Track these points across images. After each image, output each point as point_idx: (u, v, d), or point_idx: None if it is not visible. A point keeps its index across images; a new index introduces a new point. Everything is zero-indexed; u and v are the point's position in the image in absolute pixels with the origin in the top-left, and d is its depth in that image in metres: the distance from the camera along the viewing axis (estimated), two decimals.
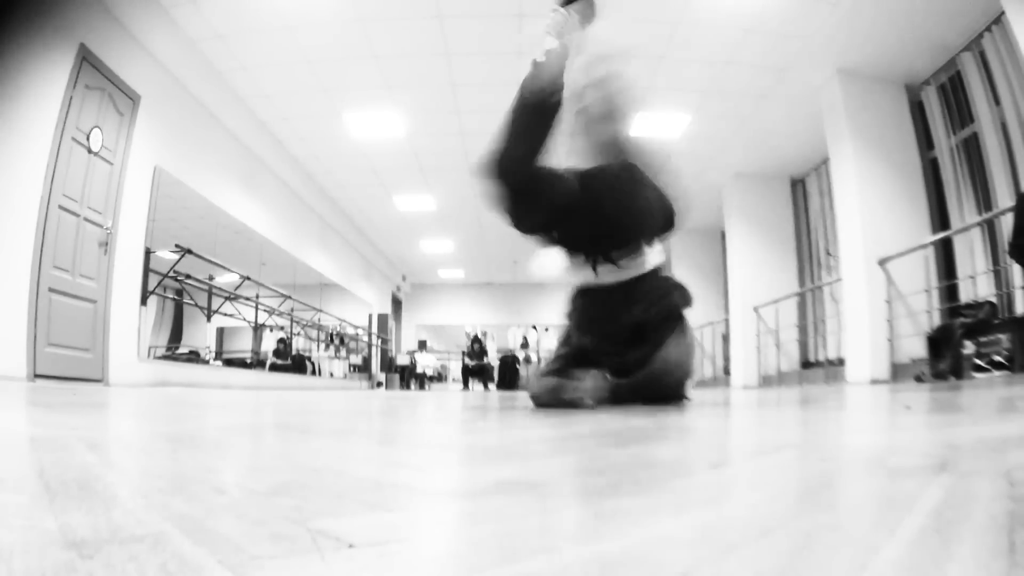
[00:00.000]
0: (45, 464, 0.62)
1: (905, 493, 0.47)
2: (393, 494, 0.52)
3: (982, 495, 0.46)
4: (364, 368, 14.74)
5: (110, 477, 0.56)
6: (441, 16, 6.26)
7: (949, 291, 6.50)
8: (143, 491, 0.50)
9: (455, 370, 19.17)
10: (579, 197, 2.32)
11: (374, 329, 15.59)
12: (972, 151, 6.42)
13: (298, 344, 11.61)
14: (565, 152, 2.42)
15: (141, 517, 0.40)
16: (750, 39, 6.54)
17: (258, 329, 9.78)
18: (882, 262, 6.36)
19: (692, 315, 2.52)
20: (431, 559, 0.34)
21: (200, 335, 9.70)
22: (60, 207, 5.13)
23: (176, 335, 9.22)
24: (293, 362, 10.98)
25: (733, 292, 10.11)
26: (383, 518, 0.42)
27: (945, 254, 6.69)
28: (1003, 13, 5.21)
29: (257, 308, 9.71)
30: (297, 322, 11.26)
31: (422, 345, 18.14)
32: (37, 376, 4.87)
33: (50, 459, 0.66)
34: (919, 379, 5.35)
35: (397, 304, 18.28)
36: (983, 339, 5.31)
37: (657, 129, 8.47)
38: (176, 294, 7.99)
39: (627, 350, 2.38)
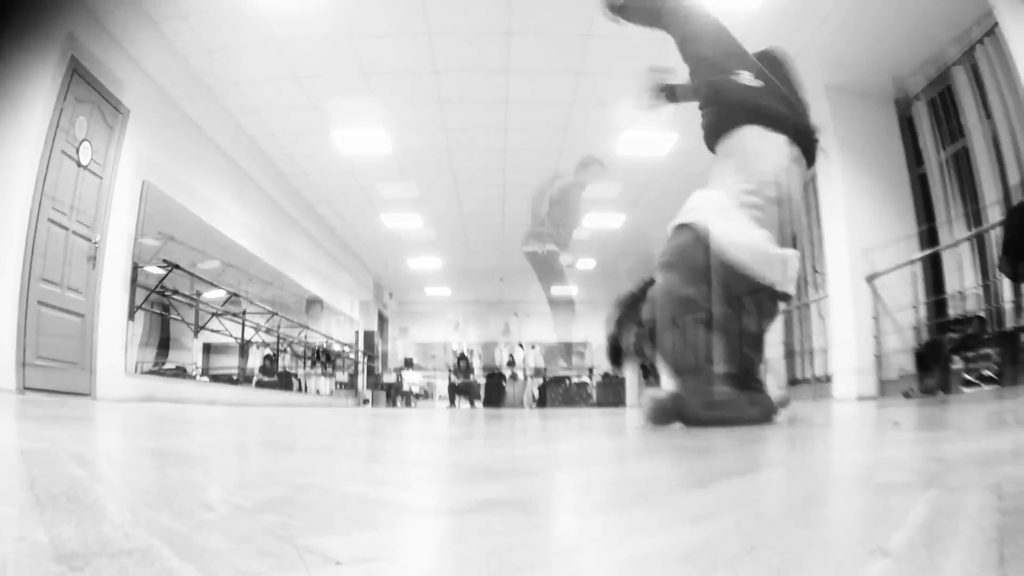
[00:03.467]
0: (35, 476, 0.62)
1: (893, 508, 0.48)
2: (380, 511, 0.52)
3: (971, 509, 0.46)
4: (350, 385, 14.65)
5: (99, 491, 0.56)
6: (430, 34, 6.30)
7: (937, 306, 6.51)
8: (131, 505, 0.50)
9: (441, 387, 19.16)
10: None
11: (360, 346, 15.53)
12: (962, 165, 6.43)
13: (284, 361, 11.54)
14: None
15: (129, 531, 0.39)
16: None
17: (245, 346, 9.72)
18: (870, 278, 6.37)
19: None
20: None
21: (187, 351, 9.63)
22: (49, 220, 5.09)
23: (163, 350, 9.16)
24: (279, 379, 10.91)
25: None
26: (370, 535, 0.42)
27: (934, 270, 6.71)
28: (996, 25, 5.21)
29: (244, 324, 9.65)
30: (284, 339, 11.20)
31: (408, 363, 18.08)
32: (27, 389, 4.81)
33: (40, 472, 0.66)
34: (907, 395, 5.37)
35: (383, 321, 18.22)
36: (972, 354, 5.32)
37: (644, 148, 8.52)
38: (163, 309, 7.94)
39: None
